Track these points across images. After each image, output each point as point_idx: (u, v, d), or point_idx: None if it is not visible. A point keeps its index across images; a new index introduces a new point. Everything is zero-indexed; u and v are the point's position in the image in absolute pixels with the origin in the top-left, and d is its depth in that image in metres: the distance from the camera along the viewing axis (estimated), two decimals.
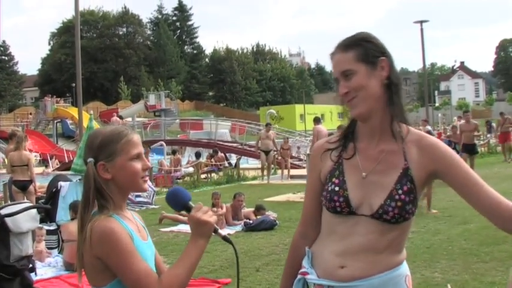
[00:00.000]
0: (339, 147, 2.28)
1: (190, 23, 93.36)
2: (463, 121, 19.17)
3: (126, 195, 2.28)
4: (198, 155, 23.92)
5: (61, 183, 10.01)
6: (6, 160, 11.28)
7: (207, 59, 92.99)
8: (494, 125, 45.21)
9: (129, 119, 44.72)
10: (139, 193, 14.40)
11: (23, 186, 11.01)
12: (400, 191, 2.11)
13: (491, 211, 2.09)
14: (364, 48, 2.16)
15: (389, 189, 2.12)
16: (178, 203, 2.23)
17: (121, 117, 32.84)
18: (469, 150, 16.96)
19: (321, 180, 2.30)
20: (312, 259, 2.29)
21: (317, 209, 2.33)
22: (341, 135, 2.31)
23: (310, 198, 2.38)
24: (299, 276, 2.29)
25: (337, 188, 2.20)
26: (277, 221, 10.75)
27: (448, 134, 21.07)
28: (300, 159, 25.96)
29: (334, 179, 2.23)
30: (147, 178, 2.29)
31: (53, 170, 24.25)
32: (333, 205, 2.19)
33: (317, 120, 18.54)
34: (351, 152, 2.24)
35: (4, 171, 13.48)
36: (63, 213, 9.11)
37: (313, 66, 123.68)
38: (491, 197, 2.09)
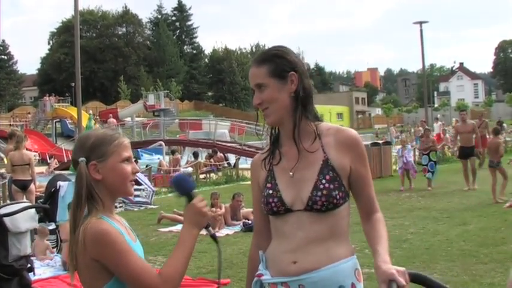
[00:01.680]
0: (269, 155, 2.47)
1: (189, 23, 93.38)
2: (458, 123, 17.44)
3: (114, 197, 2.32)
4: (195, 155, 23.91)
5: (60, 182, 9.96)
6: (5, 159, 11.25)
7: (206, 59, 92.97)
8: (505, 125, 45.20)
9: (128, 119, 44.69)
10: (138, 193, 14.40)
11: (23, 186, 11.01)
12: (323, 181, 2.30)
13: (362, 215, 2.43)
14: (275, 64, 2.35)
15: (314, 180, 2.31)
16: (183, 188, 2.30)
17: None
18: (467, 153, 14.76)
19: (261, 190, 2.48)
20: (266, 262, 2.42)
21: (265, 219, 2.49)
22: (269, 144, 2.50)
23: (258, 210, 2.54)
24: (255, 279, 2.44)
25: (271, 191, 2.39)
26: None
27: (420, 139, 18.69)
28: None
29: (267, 184, 2.42)
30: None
31: (51, 170, 24.18)
32: (270, 207, 2.37)
33: None
34: (278, 157, 2.43)
35: (3, 170, 13.45)
36: (62, 213, 9.08)
37: (312, 66, 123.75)
38: (369, 205, 2.42)
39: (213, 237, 2.34)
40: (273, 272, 2.36)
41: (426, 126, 22.68)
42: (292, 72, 2.34)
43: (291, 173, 2.36)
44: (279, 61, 2.35)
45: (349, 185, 2.37)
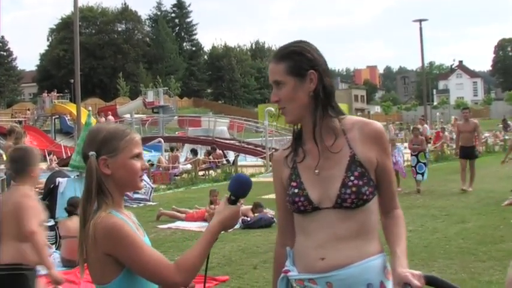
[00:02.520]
0: (291, 152, 2.42)
1: (189, 19, 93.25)
2: (460, 121, 17.15)
3: (123, 192, 2.31)
4: (194, 152, 23.90)
5: (59, 179, 10.00)
6: (4, 156, 11.23)
7: (205, 56, 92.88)
8: (510, 123, 45.20)
9: (127, 116, 44.64)
10: (137, 190, 14.39)
11: None
12: (352, 177, 2.25)
13: (382, 209, 2.40)
14: (294, 61, 2.29)
15: (342, 177, 2.26)
16: (242, 190, 2.30)
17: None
18: (467, 154, 14.36)
19: (284, 188, 2.43)
20: (293, 258, 2.39)
21: (290, 216, 2.44)
22: (291, 142, 2.45)
23: (282, 208, 2.50)
24: (282, 275, 2.39)
25: (296, 190, 2.33)
26: (274, 219, 10.74)
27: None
28: None
29: (292, 183, 2.37)
30: (143, 177, 2.32)
31: (53, 166, 24.18)
32: (296, 206, 2.33)
33: None
34: (302, 154, 2.38)
35: (2, 166, 13.41)
36: (61, 210, 9.10)
37: None
38: (390, 199, 2.39)
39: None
40: (300, 268, 2.32)
41: (416, 126, 21.43)
42: (311, 70, 2.28)
43: (316, 171, 2.31)
44: (297, 58, 2.29)
45: (376, 178, 2.32)
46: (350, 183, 2.24)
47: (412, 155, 15.13)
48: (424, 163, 14.87)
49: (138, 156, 2.27)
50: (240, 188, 2.29)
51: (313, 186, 2.30)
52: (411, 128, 30.85)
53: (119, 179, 2.22)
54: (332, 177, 2.28)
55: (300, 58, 2.29)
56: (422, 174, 14.69)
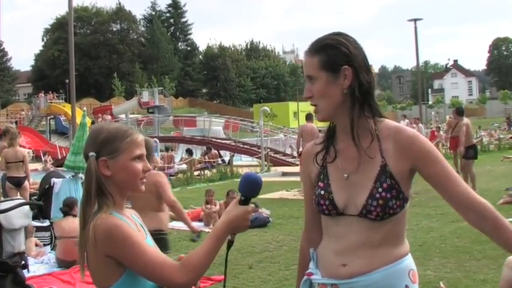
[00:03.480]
0: (323, 150, 2.31)
1: (184, 19, 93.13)
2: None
3: (124, 194, 2.25)
4: (190, 152, 23.89)
5: (54, 179, 9.96)
6: None
7: (200, 56, 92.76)
8: None
9: (123, 116, 44.59)
10: (138, 192, 14.37)
11: (18, 183, 10.99)
12: (380, 189, 2.13)
13: (462, 208, 2.17)
14: (328, 56, 2.17)
15: (370, 188, 2.15)
16: (253, 189, 2.18)
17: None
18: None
19: (313, 185, 2.35)
20: (316, 260, 2.32)
21: (316, 213, 2.35)
22: (324, 138, 2.34)
23: (308, 204, 2.41)
24: (305, 278, 2.34)
25: (322, 192, 2.25)
26: (270, 219, 10.75)
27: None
28: (294, 157, 26.00)
29: (320, 183, 2.28)
30: (145, 180, 2.26)
31: (48, 167, 24.13)
32: (321, 208, 2.25)
33: (309, 118, 18.19)
34: (333, 154, 2.27)
35: None
36: (57, 210, 9.07)
37: None
38: (464, 194, 2.14)
39: (230, 243, 2.20)
40: (324, 272, 2.26)
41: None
42: (345, 66, 2.15)
43: (345, 175, 2.21)
44: (332, 52, 2.16)
45: (409, 189, 2.18)
46: (377, 195, 2.12)
47: None
48: None
49: (140, 157, 2.20)
50: (250, 187, 2.19)
51: (340, 191, 2.21)
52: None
53: (119, 180, 2.17)
54: (360, 185, 2.17)
55: (335, 52, 2.17)
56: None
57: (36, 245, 8.84)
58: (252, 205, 2.19)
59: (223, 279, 2.36)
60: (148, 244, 2.16)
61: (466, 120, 14.24)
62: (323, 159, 2.30)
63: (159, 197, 5.38)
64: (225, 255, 2.24)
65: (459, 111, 14.59)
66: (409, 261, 2.23)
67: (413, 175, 2.23)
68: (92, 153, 2.15)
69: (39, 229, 9.22)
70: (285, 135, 33.93)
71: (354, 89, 2.16)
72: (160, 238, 4.89)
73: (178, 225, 11.22)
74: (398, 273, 2.17)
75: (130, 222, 2.18)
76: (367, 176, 2.16)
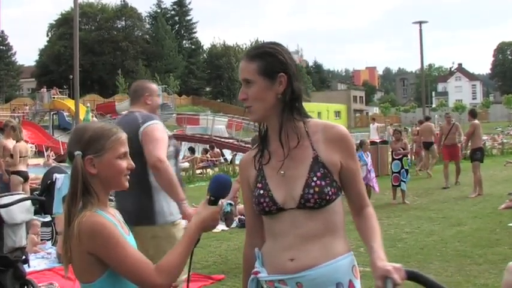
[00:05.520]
0: (258, 153, 2.44)
1: (188, 17, 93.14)
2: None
3: (108, 191, 2.31)
4: (192, 150, 23.90)
5: (56, 175, 9.95)
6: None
7: (204, 55, 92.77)
8: None
9: (126, 113, 44.57)
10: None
11: (26, 177, 11.05)
12: (314, 178, 2.27)
13: (353, 210, 2.43)
14: (265, 62, 2.31)
15: (305, 178, 2.28)
16: (221, 190, 2.31)
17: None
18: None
19: (251, 189, 2.45)
20: (262, 259, 2.40)
21: (258, 217, 2.45)
22: (258, 144, 2.47)
23: (249, 209, 2.50)
24: (252, 276, 2.40)
25: (261, 191, 2.35)
26: None
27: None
28: None
29: (258, 184, 2.39)
30: (128, 176, 2.30)
31: (46, 162, 24.13)
32: (262, 207, 2.34)
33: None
34: (267, 156, 2.40)
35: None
36: (58, 205, 9.07)
37: (310, 64, 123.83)
38: (359, 199, 2.41)
39: (197, 241, 2.27)
40: (270, 270, 2.34)
41: (397, 128, 19.95)
42: (281, 73, 2.30)
43: (281, 172, 2.33)
44: (270, 60, 2.31)
45: (340, 180, 2.35)
46: (313, 184, 2.26)
47: (394, 159, 13.56)
48: (407, 170, 13.32)
49: (125, 155, 2.27)
50: (220, 188, 2.30)
51: (278, 187, 2.32)
52: (408, 130, 30.88)
53: (104, 178, 2.22)
54: (296, 178, 2.30)
55: (272, 60, 2.31)
56: (405, 182, 13.09)
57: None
58: (220, 205, 2.30)
59: (187, 278, 2.40)
60: (130, 243, 2.21)
61: (476, 121, 14.14)
62: (259, 162, 2.42)
63: None
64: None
65: (473, 113, 14.52)
66: (352, 257, 2.35)
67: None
68: (78, 152, 2.19)
69: (40, 224, 9.23)
70: None
71: (286, 95, 2.31)
72: None
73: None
74: (343, 267, 2.29)
75: (114, 220, 2.23)
76: (302, 169, 2.30)
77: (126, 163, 2.27)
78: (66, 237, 2.15)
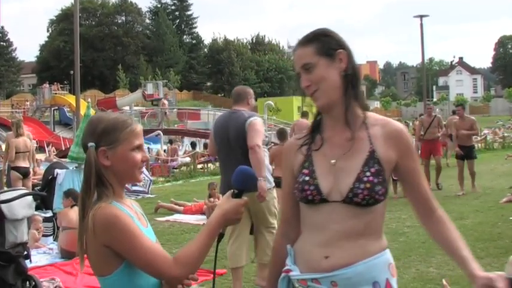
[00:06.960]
0: (308, 140, 2.33)
1: (189, 12, 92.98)
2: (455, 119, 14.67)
3: (123, 183, 2.26)
4: (193, 145, 23.89)
5: (58, 170, 9.98)
6: (3, 147, 11.24)
7: (205, 49, 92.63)
8: None
9: (127, 108, 44.61)
10: (136, 182, 14.41)
11: (26, 173, 11.05)
12: (368, 173, 2.16)
13: (421, 213, 2.38)
14: (322, 42, 2.24)
15: (357, 172, 2.17)
16: (247, 183, 2.24)
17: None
18: (464, 153, 12.88)
19: (294, 176, 2.33)
20: (294, 256, 2.30)
21: (296, 207, 2.35)
22: (309, 129, 2.37)
23: (288, 197, 2.39)
24: (282, 275, 2.29)
25: (307, 178, 2.24)
26: None
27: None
28: None
29: (304, 170, 2.27)
30: (143, 169, 2.27)
31: (47, 158, 24.16)
32: (305, 194, 2.22)
33: (304, 114, 17.94)
34: (319, 142, 2.29)
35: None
36: (59, 201, 9.08)
37: None
38: (426, 200, 2.33)
39: (221, 236, 2.24)
40: (303, 268, 2.23)
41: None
42: (340, 50, 2.24)
43: (333, 161, 2.22)
44: (325, 39, 2.25)
45: (389, 181, 2.24)
46: (365, 179, 2.15)
47: None
48: None
49: (139, 147, 2.21)
50: (244, 180, 2.22)
51: (326, 177, 2.21)
52: (409, 124, 30.83)
53: (118, 170, 2.18)
54: (347, 170, 2.19)
55: (328, 39, 2.26)
56: None
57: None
58: (245, 198, 2.21)
59: (213, 272, 2.38)
60: (148, 234, 2.17)
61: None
62: (308, 148, 2.31)
63: None
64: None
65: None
66: (389, 255, 2.27)
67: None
68: (91, 144, 2.15)
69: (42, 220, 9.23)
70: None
71: (348, 71, 2.24)
72: None
73: (181, 217, 11.28)
74: (379, 266, 2.20)
75: (131, 211, 2.19)
76: (355, 161, 2.19)
77: (140, 155, 2.21)
78: (81, 230, 2.11)
